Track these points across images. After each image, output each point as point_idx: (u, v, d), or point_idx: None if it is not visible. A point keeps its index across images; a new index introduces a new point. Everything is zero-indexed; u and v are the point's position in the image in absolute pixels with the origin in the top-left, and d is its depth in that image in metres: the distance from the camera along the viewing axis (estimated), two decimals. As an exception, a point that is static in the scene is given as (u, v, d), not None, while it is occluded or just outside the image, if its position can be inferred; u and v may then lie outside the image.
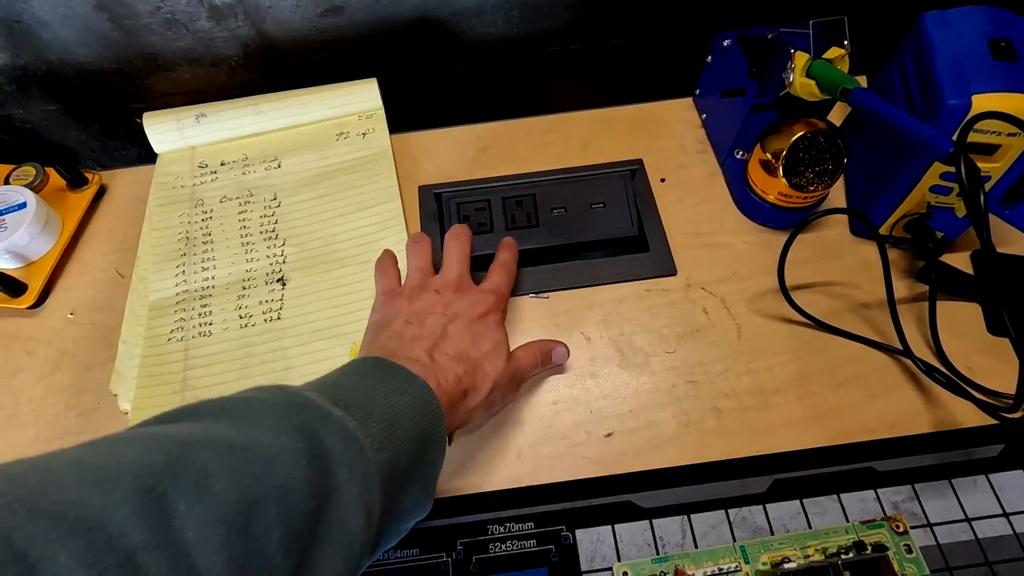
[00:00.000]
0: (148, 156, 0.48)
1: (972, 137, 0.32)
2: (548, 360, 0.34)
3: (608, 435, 0.34)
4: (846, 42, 0.34)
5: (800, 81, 0.34)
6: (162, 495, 0.16)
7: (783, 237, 0.37)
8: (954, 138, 0.29)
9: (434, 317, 0.31)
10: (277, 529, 0.17)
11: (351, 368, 0.26)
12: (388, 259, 0.36)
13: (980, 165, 0.33)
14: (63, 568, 0.14)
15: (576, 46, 0.54)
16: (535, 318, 0.38)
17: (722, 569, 0.29)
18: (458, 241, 0.35)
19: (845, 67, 0.34)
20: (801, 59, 0.34)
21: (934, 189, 0.35)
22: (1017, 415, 0.29)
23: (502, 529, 0.31)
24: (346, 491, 0.20)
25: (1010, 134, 0.31)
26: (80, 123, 0.59)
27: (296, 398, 0.22)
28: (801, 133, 0.36)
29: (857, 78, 0.37)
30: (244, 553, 0.16)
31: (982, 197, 0.27)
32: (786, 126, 0.37)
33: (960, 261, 0.39)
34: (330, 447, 0.20)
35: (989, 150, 0.33)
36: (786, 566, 0.28)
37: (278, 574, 0.17)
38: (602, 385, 0.36)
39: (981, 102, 0.31)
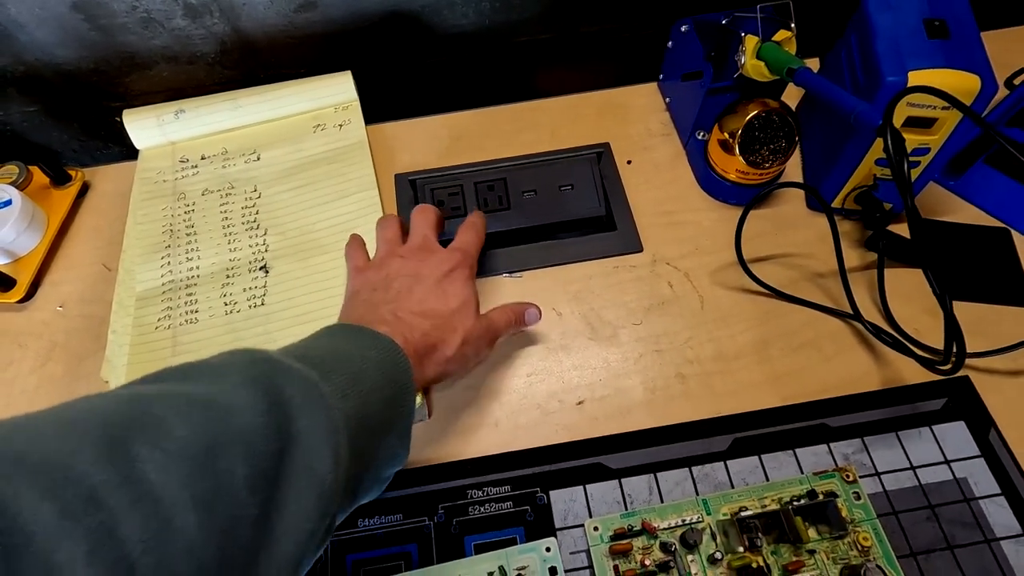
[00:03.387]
0: (130, 154, 0.49)
1: (910, 112, 0.34)
2: (522, 320, 0.36)
3: (580, 403, 0.36)
4: (792, 24, 0.36)
5: (751, 63, 0.36)
6: (124, 442, 0.17)
7: (734, 212, 0.39)
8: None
9: (400, 280, 0.32)
10: (241, 467, 0.18)
11: (319, 333, 0.28)
12: (356, 241, 0.38)
13: (919, 138, 0.35)
14: (26, 500, 0.14)
15: (546, 36, 0.55)
16: (509, 297, 0.40)
17: (685, 520, 0.31)
18: (423, 213, 0.36)
19: (793, 48, 0.36)
20: (751, 42, 0.36)
21: (879, 162, 0.37)
22: (948, 367, 0.31)
23: (480, 493, 0.33)
24: (310, 434, 0.21)
25: (944, 107, 0.33)
26: (60, 123, 0.59)
27: (256, 355, 0.23)
28: (755, 112, 0.38)
29: (811, 60, 0.39)
30: (209, 489, 0.17)
31: (906, 166, 0.29)
32: (741, 106, 0.39)
33: (907, 231, 0.41)
34: (290, 396, 0.21)
35: (927, 123, 0.35)
36: (743, 514, 0.31)
37: (247, 508, 0.18)
38: (573, 357, 0.37)
39: (917, 78, 0.33)
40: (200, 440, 0.18)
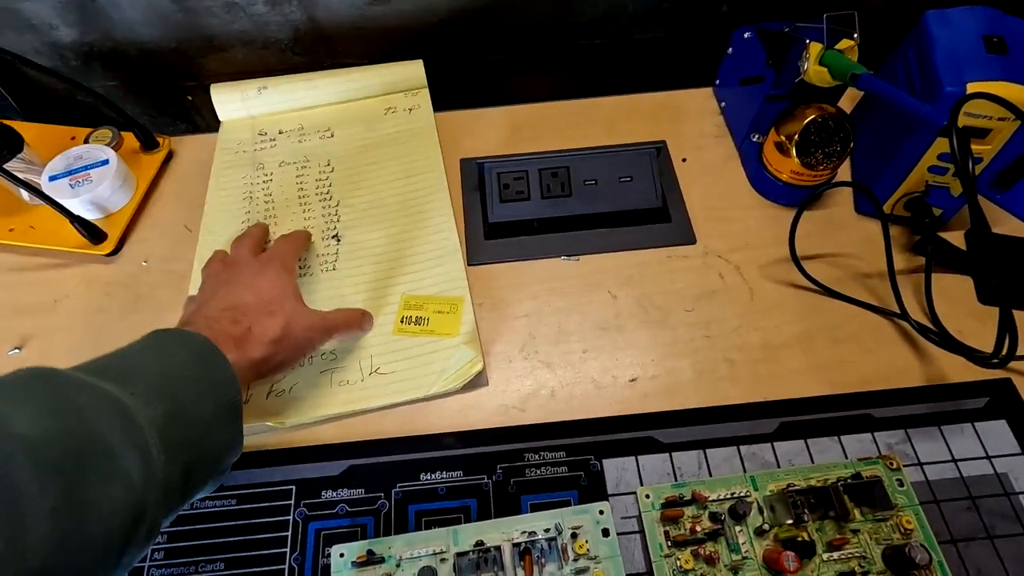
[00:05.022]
0: (194, 132, 0.52)
1: (966, 121, 0.36)
2: (359, 325, 0.38)
3: (632, 380, 0.38)
4: (856, 35, 0.38)
5: (814, 68, 0.38)
6: None
7: (791, 213, 0.41)
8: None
9: (209, 283, 0.36)
10: (25, 464, 0.20)
11: (132, 344, 0.29)
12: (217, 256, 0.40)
13: (974, 147, 0.37)
14: None
15: (600, 41, 0.58)
16: (566, 278, 0.42)
17: (734, 494, 0.33)
18: (285, 238, 0.40)
19: (855, 57, 0.38)
20: (815, 48, 0.38)
21: (931, 169, 0.39)
22: (995, 364, 0.32)
23: (536, 457, 0.35)
24: (109, 436, 0.22)
25: (1000, 118, 0.35)
26: (136, 98, 0.63)
27: (47, 371, 0.24)
28: (812, 116, 0.40)
29: (864, 71, 0.41)
30: None
31: (971, 165, 0.30)
32: (799, 111, 0.41)
33: (955, 239, 0.42)
34: (83, 404, 0.23)
35: (982, 134, 0.36)
36: (791, 489, 0.32)
37: (35, 501, 0.20)
38: (627, 337, 0.39)
39: (975, 89, 0.34)
40: None
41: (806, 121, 0.40)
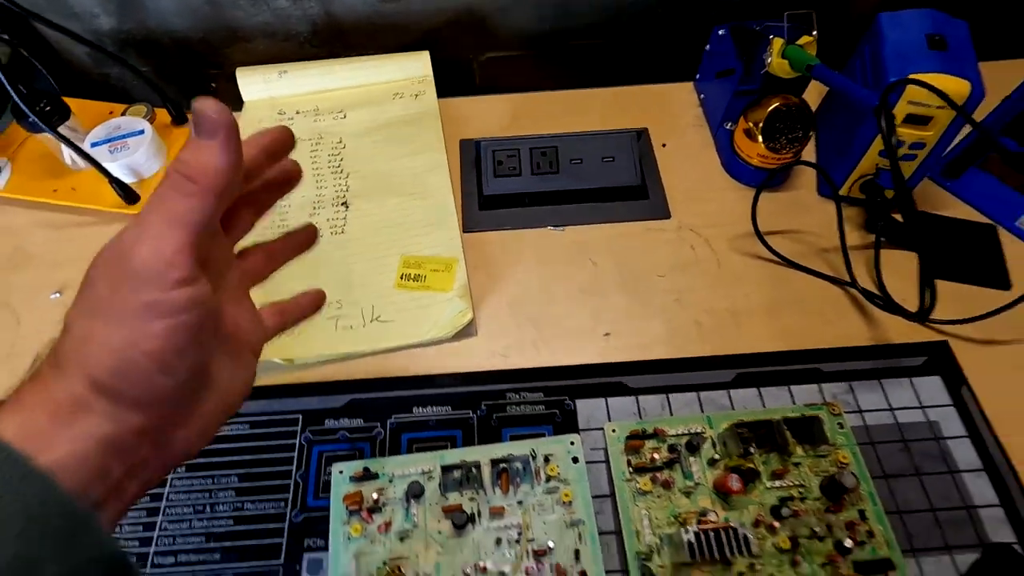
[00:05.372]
0: None
1: (909, 109, 0.40)
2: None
3: (607, 335, 0.42)
4: (814, 32, 0.42)
5: (777, 61, 0.42)
6: None
7: (751, 193, 0.45)
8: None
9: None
10: None
11: None
12: None
13: (916, 133, 0.41)
14: None
15: (597, 41, 0.63)
16: (552, 246, 0.46)
17: (691, 430, 0.37)
18: None
19: (813, 51, 0.42)
20: (777, 43, 0.42)
21: (881, 154, 0.43)
22: (917, 317, 0.36)
23: (517, 396, 0.39)
24: None
25: (939, 107, 0.39)
26: (165, 84, 0.67)
27: None
28: (776, 105, 0.44)
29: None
30: None
31: (894, 139, 0.35)
32: (766, 100, 0.45)
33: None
34: None
35: (924, 120, 0.41)
36: (740, 426, 0.36)
37: None
38: (604, 300, 0.44)
39: (924, 80, 0.39)
40: None
41: (770, 109, 0.44)
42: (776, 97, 0.45)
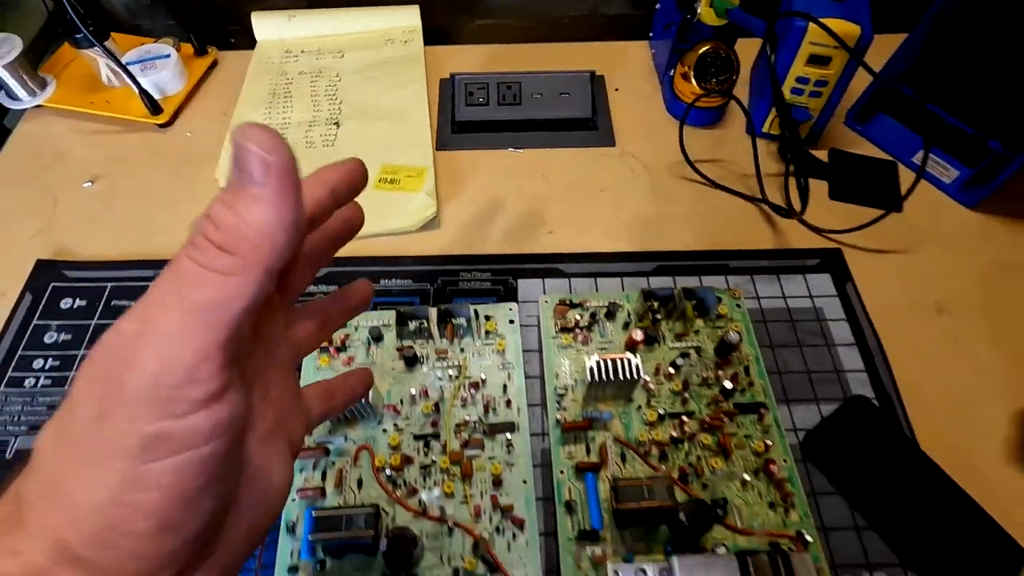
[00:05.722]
0: None
1: (812, 50, 0.47)
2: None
3: (550, 232, 0.49)
4: (737, -15, 0.50)
5: (705, 10, 0.50)
6: None
7: (697, 131, 0.53)
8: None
9: None
10: None
11: None
12: None
13: (819, 72, 0.49)
14: None
15: (573, 15, 0.70)
16: (511, 165, 0.54)
17: (612, 302, 0.43)
18: None
19: (736, 2, 0.50)
20: (706, -6, 0.50)
21: (792, 91, 0.50)
22: (792, 214, 0.43)
23: (468, 275, 0.46)
24: None
25: (835, 47, 0.46)
26: (188, 36, 0.77)
27: None
28: (706, 49, 0.52)
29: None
30: None
31: (773, 57, 0.42)
32: (698, 46, 0.53)
33: (823, 157, 0.53)
34: None
35: (825, 61, 0.48)
36: (653, 295, 0.43)
37: None
38: (552, 207, 0.51)
39: (822, 22, 0.46)
40: None
41: (700, 52, 0.52)
42: (706, 43, 0.52)
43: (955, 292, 0.45)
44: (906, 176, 0.52)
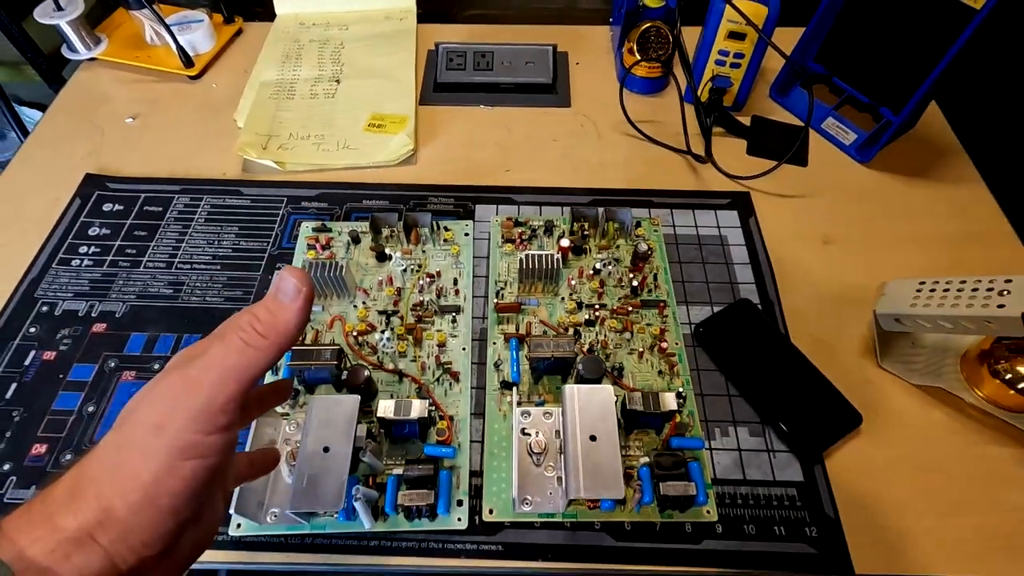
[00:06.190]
0: None
1: (731, 27, 0.57)
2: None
3: (507, 171, 0.59)
4: (674, -26, 0.60)
5: (645, -7, 0.60)
6: None
7: (641, 98, 0.62)
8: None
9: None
10: None
11: None
12: None
13: (737, 46, 0.58)
14: None
15: (554, 7, 0.81)
16: (482, 120, 0.63)
17: (549, 220, 0.53)
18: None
19: (671, -12, 0.59)
20: (646, -19, 0.60)
21: (716, 63, 0.60)
22: (704, 160, 0.52)
23: (436, 199, 0.56)
24: None
25: (747, 25, 0.56)
26: (218, 8, 0.88)
27: None
28: (646, 27, 0.62)
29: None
30: None
31: (677, 26, 0.51)
32: (640, 24, 0.62)
33: (747, 121, 0.63)
34: None
35: (741, 36, 0.57)
36: (582, 220, 0.52)
37: None
38: (512, 152, 0.60)
39: (734, 3, 0.56)
40: None
41: (642, 29, 0.62)
42: (648, 22, 0.62)
43: (841, 229, 0.54)
44: (815, 139, 0.61)
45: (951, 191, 0.57)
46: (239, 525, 0.38)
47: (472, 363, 0.46)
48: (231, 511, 0.36)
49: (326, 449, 0.36)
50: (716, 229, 0.54)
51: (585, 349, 0.46)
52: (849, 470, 0.41)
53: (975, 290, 0.40)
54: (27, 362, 0.46)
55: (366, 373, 0.42)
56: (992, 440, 0.43)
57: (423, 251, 0.51)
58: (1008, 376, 0.42)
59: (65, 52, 0.67)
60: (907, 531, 0.39)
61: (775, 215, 0.55)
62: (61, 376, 0.45)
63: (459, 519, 0.39)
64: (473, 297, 0.49)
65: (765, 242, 0.53)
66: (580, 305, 0.48)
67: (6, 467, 0.41)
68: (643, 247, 0.49)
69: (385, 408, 0.39)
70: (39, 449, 0.42)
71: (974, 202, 0.56)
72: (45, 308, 0.49)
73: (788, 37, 0.61)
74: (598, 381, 0.42)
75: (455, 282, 0.50)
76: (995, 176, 0.58)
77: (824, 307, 0.49)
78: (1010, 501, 0.40)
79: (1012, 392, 0.42)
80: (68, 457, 0.42)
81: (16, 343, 0.47)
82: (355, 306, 0.48)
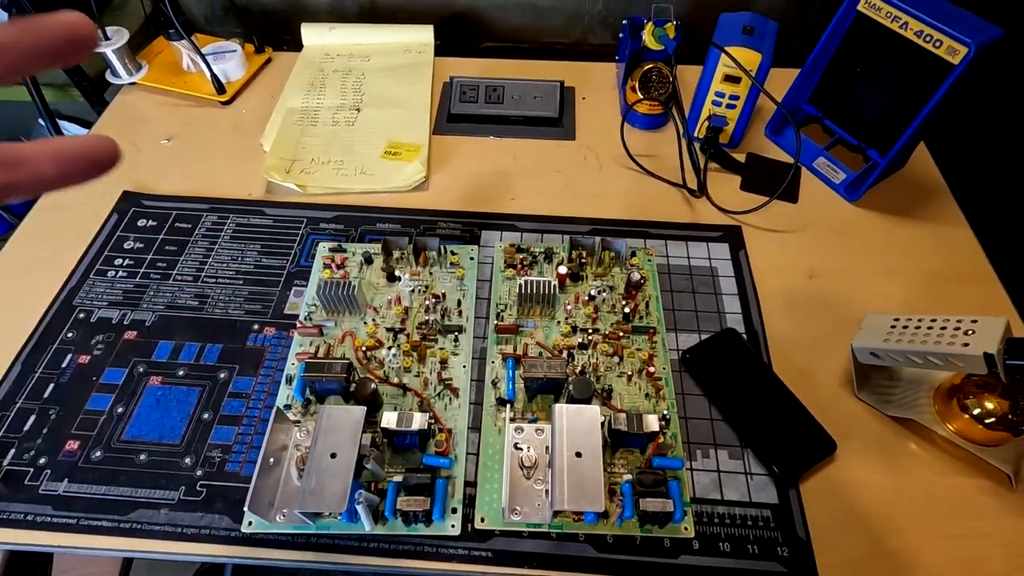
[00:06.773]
0: None
1: (727, 71, 0.61)
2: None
3: (512, 199, 0.62)
4: (675, 21, 0.63)
5: (648, 38, 0.64)
6: None
7: (645, 133, 0.66)
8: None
9: None
10: None
11: None
12: None
13: (732, 89, 0.62)
14: None
15: (564, 42, 0.86)
16: (491, 149, 0.67)
17: (549, 248, 0.56)
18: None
19: (672, 33, 0.63)
20: (649, 26, 0.64)
21: (713, 103, 0.63)
22: (698, 194, 0.56)
23: (444, 224, 0.60)
24: None
25: (741, 68, 0.60)
26: (250, 39, 0.94)
27: None
28: (648, 68, 0.65)
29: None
30: None
31: (674, 67, 0.55)
32: (643, 64, 0.66)
33: (742, 158, 0.66)
34: None
35: (736, 80, 0.61)
36: (580, 248, 0.55)
37: None
38: (518, 181, 0.64)
39: (728, 51, 0.59)
40: None
41: (644, 70, 0.65)
42: (650, 63, 0.66)
43: (827, 263, 0.57)
44: (807, 177, 0.65)
45: (935, 230, 0.60)
46: (251, 523, 0.42)
47: (471, 380, 0.49)
48: (244, 508, 0.39)
49: (333, 455, 0.39)
50: (707, 260, 0.57)
51: (577, 371, 0.49)
52: (822, 494, 0.44)
53: (943, 328, 0.42)
54: (64, 364, 0.50)
55: (372, 386, 0.45)
56: (961, 471, 0.45)
57: (430, 273, 0.55)
58: (976, 411, 0.44)
59: (109, 77, 0.72)
60: (876, 554, 0.41)
61: (764, 249, 0.58)
62: (94, 379, 0.49)
63: (453, 525, 0.42)
64: (475, 318, 0.53)
65: (753, 274, 0.56)
66: (575, 329, 0.51)
67: (42, 461, 0.45)
68: (636, 276, 0.52)
69: (389, 419, 0.43)
70: (72, 445, 0.46)
71: (957, 241, 0.59)
72: (82, 315, 0.53)
73: (785, 78, 0.65)
74: (588, 401, 0.45)
75: (459, 303, 0.53)
76: (978, 217, 0.61)
77: (806, 338, 0.52)
78: (977, 528, 0.42)
79: (980, 427, 0.44)
80: (98, 454, 0.45)
81: (55, 347, 0.51)
82: (365, 323, 0.52)
